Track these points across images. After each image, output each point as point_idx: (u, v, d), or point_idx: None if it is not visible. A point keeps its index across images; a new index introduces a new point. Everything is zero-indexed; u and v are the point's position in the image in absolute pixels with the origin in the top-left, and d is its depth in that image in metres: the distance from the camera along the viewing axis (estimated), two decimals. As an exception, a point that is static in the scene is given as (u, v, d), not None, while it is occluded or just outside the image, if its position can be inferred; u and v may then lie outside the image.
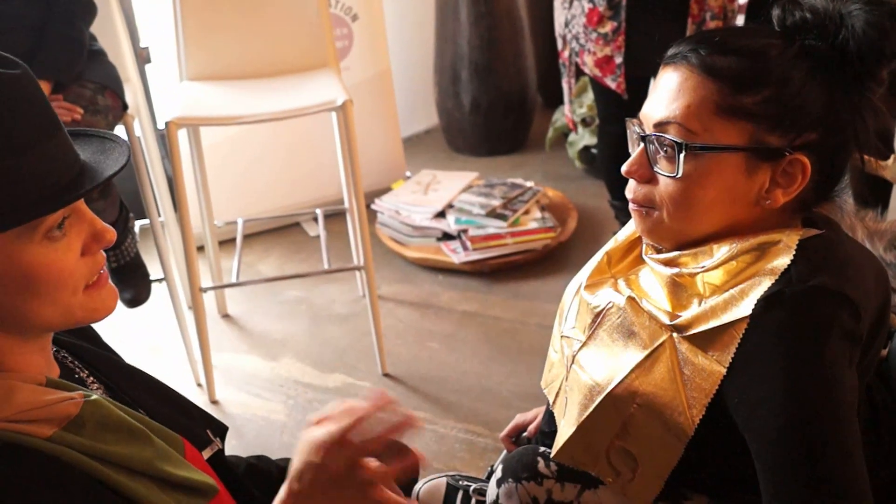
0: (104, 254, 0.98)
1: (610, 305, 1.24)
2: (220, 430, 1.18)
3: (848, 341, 1.07)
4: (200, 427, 1.14)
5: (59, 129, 0.91)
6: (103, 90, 2.31)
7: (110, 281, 1.00)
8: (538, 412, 1.63)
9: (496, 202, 3.31)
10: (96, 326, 1.23)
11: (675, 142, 1.13)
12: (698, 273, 1.16)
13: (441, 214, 3.33)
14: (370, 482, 0.91)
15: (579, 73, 2.87)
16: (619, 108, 2.67)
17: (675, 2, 2.49)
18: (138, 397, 1.09)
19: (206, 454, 1.11)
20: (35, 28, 2.21)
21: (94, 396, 0.95)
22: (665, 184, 1.16)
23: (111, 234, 0.96)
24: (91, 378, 1.07)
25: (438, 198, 3.41)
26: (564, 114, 3.09)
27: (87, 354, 1.10)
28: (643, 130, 1.19)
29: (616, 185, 2.95)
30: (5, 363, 0.93)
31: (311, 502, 0.92)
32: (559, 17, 2.74)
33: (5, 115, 0.85)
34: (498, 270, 3.17)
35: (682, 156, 1.12)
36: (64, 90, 2.22)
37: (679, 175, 1.13)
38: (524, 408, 1.71)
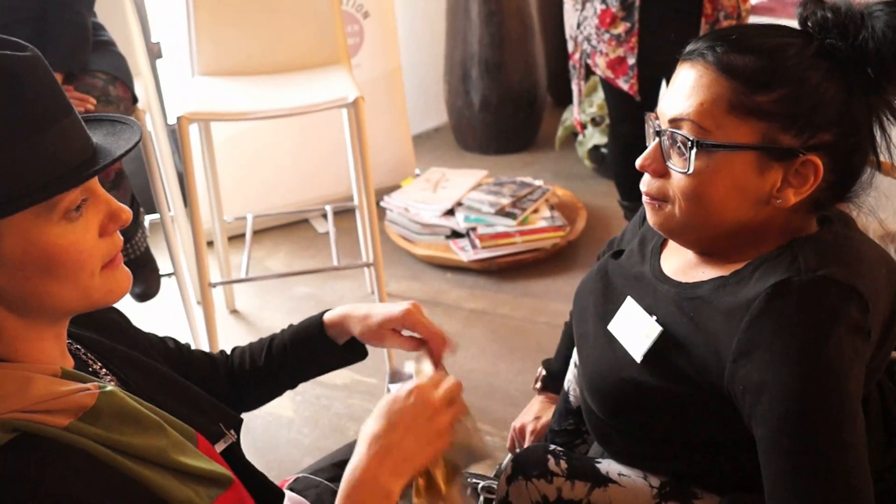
0: (121, 236, 0.99)
1: None
2: (235, 421, 1.19)
3: (855, 334, 1.07)
4: (213, 421, 1.14)
5: (72, 111, 0.92)
6: (114, 81, 2.31)
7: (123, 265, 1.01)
8: (537, 411, 1.64)
9: (505, 200, 3.31)
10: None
11: (687, 138, 1.13)
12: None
13: (450, 212, 3.34)
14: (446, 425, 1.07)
15: (589, 74, 2.87)
16: (630, 108, 2.67)
17: (688, 2, 2.48)
18: (151, 392, 1.09)
19: (220, 447, 1.12)
20: (35, 19, 2.20)
21: (110, 388, 0.95)
22: (677, 179, 1.16)
23: (127, 213, 0.97)
24: (104, 371, 1.07)
25: (447, 195, 3.41)
26: (573, 116, 3.09)
27: (100, 348, 1.10)
28: (658, 125, 1.19)
29: (626, 185, 2.95)
30: (20, 350, 0.94)
31: (398, 440, 1.02)
32: (570, 18, 2.73)
33: (21, 96, 0.86)
34: (506, 269, 3.17)
35: (693, 152, 1.13)
36: (75, 80, 2.22)
37: (690, 171, 1.13)
38: (532, 406, 1.72)
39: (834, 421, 1.03)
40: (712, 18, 2.48)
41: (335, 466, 1.41)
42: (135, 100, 2.40)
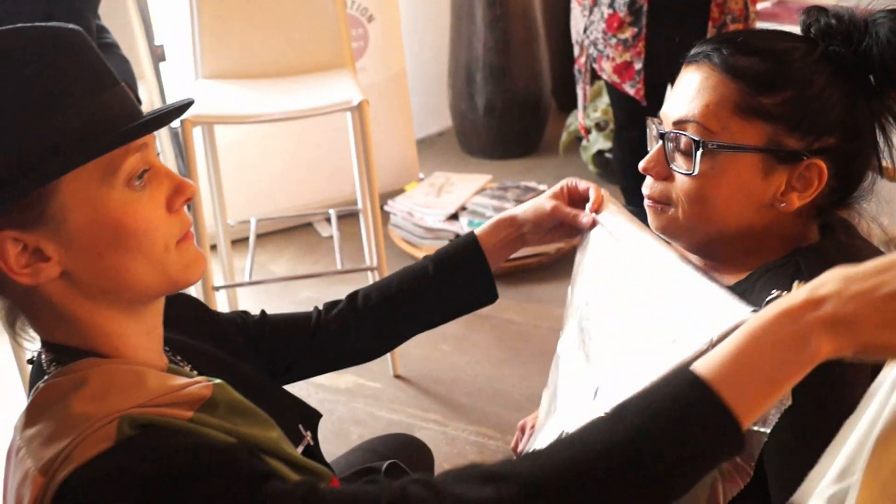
0: (189, 214, 0.98)
1: None
2: (312, 421, 1.18)
3: None
4: (292, 423, 1.13)
5: (119, 81, 0.94)
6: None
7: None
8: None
9: (509, 205, 3.30)
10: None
11: (693, 139, 1.13)
12: None
13: (454, 216, 3.33)
14: None
15: (594, 78, 2.86)
16: (636, 113, 2.66)
17: (695, 6, 2.48)
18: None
19: (299, 450, 1.11)
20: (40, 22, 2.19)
21: (219, 380, 0.94)
22: (681, 181, 1.16)
23: (191, 187, 0.95)
24: (195, 372, 1.05)
25: (451, 200, 3.40)
26: (578, 120, 3.08)
27: (188, 350, 1.09)
28: (662, 128, 1.19)
29: (631, 190, 2.94)
30: (119, 348, 0.93)
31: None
32: (577, 23, 2.73)
33: (77, 61, 0.89)
34: (510, 273, 3.16)
35: (699, 153, 1.12)
36: None
37: (695, 173, 1.13)
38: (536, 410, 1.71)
39: (837, 429, 1.03)
40: (719, 22, 2.48)
41: (356, 475, 1.39)
42: (138, 102, 2.39)
